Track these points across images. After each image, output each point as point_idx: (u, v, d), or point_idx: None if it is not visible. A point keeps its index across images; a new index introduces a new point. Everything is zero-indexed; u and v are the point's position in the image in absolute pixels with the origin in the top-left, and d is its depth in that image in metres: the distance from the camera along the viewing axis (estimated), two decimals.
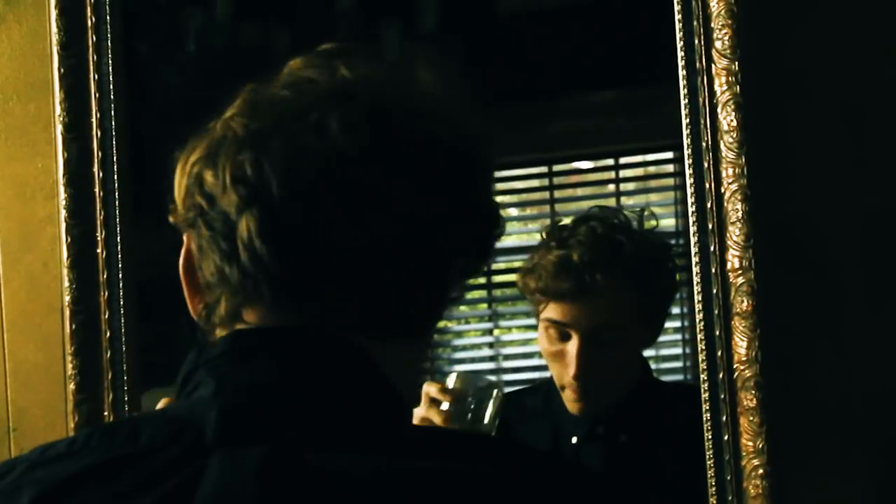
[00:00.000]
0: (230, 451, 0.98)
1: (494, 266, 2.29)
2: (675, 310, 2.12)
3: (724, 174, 1.91)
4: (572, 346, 2.03)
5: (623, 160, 2.31)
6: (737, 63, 1.90)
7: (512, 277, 2.21)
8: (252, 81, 1.18)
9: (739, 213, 1.90)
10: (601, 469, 2.08)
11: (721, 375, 1.92)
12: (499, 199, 1.26)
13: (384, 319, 1.09)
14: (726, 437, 1.92)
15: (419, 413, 1.82)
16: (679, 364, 2.21)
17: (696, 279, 1.94)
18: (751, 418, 1.90)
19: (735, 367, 1.91)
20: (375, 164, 1.06)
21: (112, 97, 2.20)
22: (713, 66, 1.92)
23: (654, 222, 2.13)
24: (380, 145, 1.07)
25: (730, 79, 1.91)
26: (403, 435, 1.04)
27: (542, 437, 2.13)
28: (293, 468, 0.95)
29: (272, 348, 1.06)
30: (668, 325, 2.14)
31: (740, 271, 1.91)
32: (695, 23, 1.94)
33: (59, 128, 2.21)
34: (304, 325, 1.07)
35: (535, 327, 2.12)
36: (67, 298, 2.20)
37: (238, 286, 1.08)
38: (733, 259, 1.91)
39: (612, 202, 2.31)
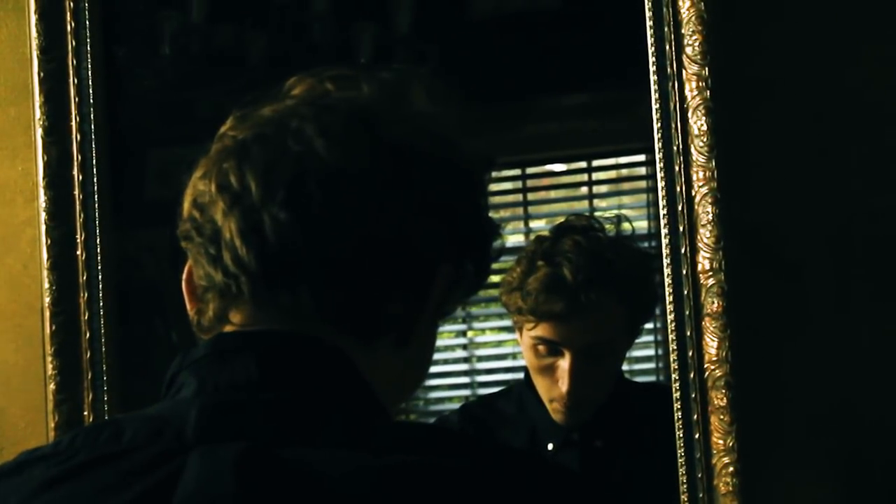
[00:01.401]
0: (209, 447, 0.99)
1: None
2: None
3: (694, 177, 1.93)
4: (564, 363, 2.02)
5: (595, 163, 2.32)
6: (707, 68, 1.92)
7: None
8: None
9: (710, 216, 1.92)
10: None
11: (692, 375, 1.93)
12: None
13: (361, 319, 1.11)
14: (697, 436, 1.94)
15: None
16: (651, 365, 2.21)
17: (667, 280, 1.96)
18: (721, 417, 1.92)
19: (706, 366, 1.93)
20: (351, 167, 1.09)
21: (91, 101, 2.21)
22: (684, 71, 1.94)
23: (628, 225, 2.12)
24: (356, 149, 1.10)
25: (700, 84, 1.92)
26: (379, 431, 1.05)
27: (518, 444, 2.13)
28: (269, 464, 0.97)
29: (253, 349, 1.08)
30: None
31: (711, 273, 1.92)
32: (666, 29, 1.95)
33: (39, 131, 2.21)
34: (284, 328, 1.10)
35: (508, 329, 2.12)
36: (47, 300, 2.20)
37: (223, 287, 1.11)
38: (704, 261, 1.93)
39: (584, 205, 2.32)
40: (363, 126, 1.12)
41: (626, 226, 2.11)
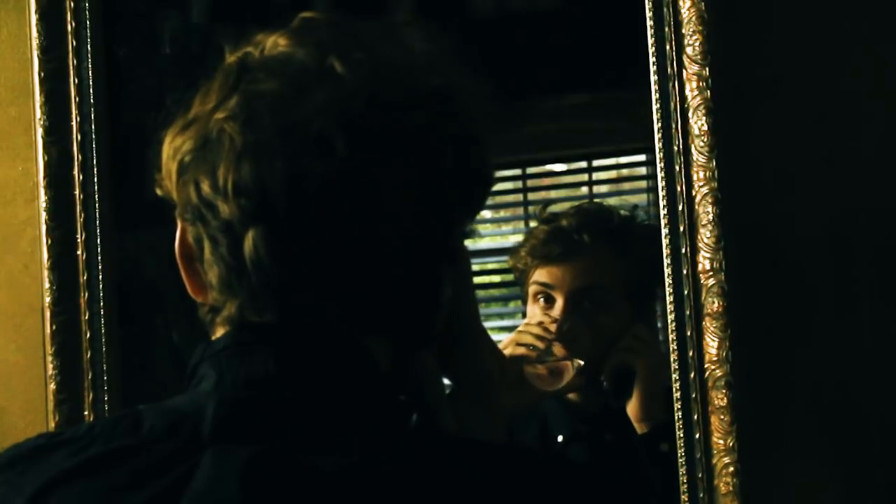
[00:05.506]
0: (223, 447, 0.99)
1: None
2: None
3: (695, 177, 1.93)
4: (556, 308, 2.06)
5: (596, 163, 2.32)
6: (707, 68, 1.92)
7: (485, 280, 2.22)
8: (233, 50, 1.17)
9: (710, 216, 1.92)
10: None
11: (692, 375, 1.93)
12: None
13: (388, 324, 1.11)
14: (697, 436, 1.94)
15: None
16: None
17: (667, 280, 1.96)
18: (721, 417, 1.92)
19: (706, 366, 1.92)
20: (379, 175, 1.06)
21: (92, 101, 2.21)
22: (684, 71, 1.94)
23: (643, 217, 2.15)
24: (384, 153, 1.06)
25: (700, 84, 1.92)
26: (397, 435, 1.04)
27: (529, 437, 2.13)
28: (279, 468, 0.97)
29: (272, 343, 1.06)
30: None
31: (711, 273, 1.92)
32: (666, 29, 1.95)
33: (40, 131, 2.21)
34: (306, 321, 1.08)
35: (508, 329, 2.13)
36: (48, 300, 2.21)
37: (247, 299, 1.08)
38: (704, 261, 1.93)
39: None
40: (388, 122, 1.06)
41: (641, 214, 2.15)
